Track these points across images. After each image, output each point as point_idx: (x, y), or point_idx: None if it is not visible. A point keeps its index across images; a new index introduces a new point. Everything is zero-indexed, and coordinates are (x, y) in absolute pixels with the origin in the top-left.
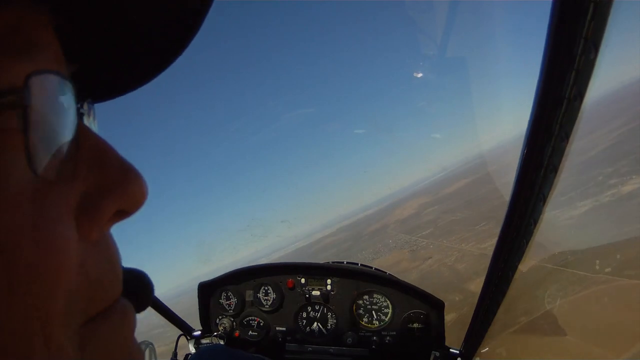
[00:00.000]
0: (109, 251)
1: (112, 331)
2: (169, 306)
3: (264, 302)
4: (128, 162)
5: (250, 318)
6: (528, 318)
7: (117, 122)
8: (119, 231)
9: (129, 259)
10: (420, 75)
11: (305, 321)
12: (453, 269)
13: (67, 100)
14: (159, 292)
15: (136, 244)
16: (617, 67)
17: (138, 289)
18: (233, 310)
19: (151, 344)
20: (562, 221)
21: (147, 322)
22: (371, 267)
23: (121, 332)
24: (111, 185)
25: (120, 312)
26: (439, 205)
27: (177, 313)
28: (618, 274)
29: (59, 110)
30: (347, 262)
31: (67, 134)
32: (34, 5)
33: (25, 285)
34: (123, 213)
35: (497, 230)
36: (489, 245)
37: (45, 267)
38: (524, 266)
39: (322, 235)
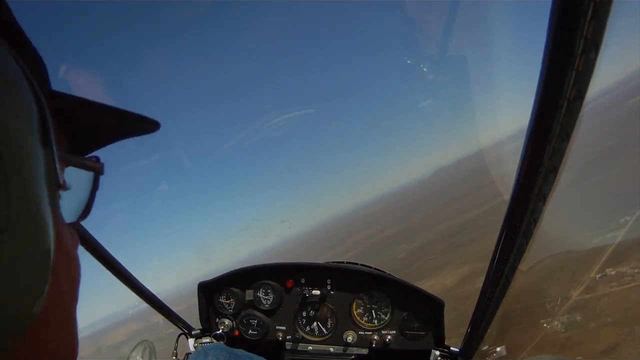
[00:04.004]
0: None
1: None
2: (169, 305)
3: (264, 302)
4: None
5: (250, 317)
6: (528, 317)
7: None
8: (121, 232)
9: (130, 258)
10: (418, 74)
11: (305, 320)
12: None
13: None
14: (160, 292)
15: (137, 243)
16: (618, 66)
17: None
18: (233, 309)
19: (151, 343)
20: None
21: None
22: (371, 267)
23: None
24: None
25: None
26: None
27: (177, 312)
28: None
29: None
30: (347, 262)
31: None
32: None
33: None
34: None
35: None
36: None
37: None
38: (524, 266)
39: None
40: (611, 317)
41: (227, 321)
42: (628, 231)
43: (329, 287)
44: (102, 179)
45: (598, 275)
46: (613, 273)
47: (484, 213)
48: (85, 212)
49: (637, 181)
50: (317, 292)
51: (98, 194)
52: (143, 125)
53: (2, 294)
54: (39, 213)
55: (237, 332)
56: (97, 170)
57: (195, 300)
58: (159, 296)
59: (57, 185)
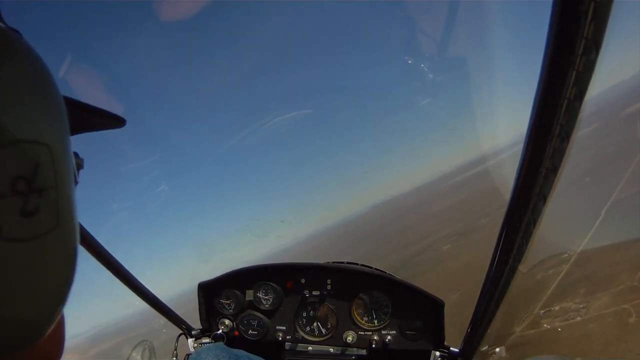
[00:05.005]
0: None
1: None
2: (169, 305)
3: (264, 302)
4: None
5: (250, 318)
6: (527, 318)
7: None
8: (121, 232)
9: (131, 257)
10: (418, 74)
11: (305, 321)
12: None
13: None
14: (160, 291)
15: (136, 243)
16: (617, 67)
17: None
18: (233, 309)
19: (151, 343)
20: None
21: (147, 320)
22: (371, 267)
23: None
24: None
25: None
26: None
27: (177, 312)
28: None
29: None
30: (347, 262)
31: None
32: None
33: None
34: None
35: None
36: None
37: None
38: (524, 267)
39: None
40: (556, 353)
41: (227, 321)
42: (571, 266)
43: (329, 288)
44: (103, 179)
45: (542, 311)
46: (557, 308)
47: (422, 249)
48: None
49: (580, 215)
50: (317, 292)
51: (99, 193)
52: (108, 121)
53: (54, 288)
54: (74, 211)
55: (237, 333)
56: (78, 165)
57: (194, 304)
58: (159, 297)
59: (75, 183)
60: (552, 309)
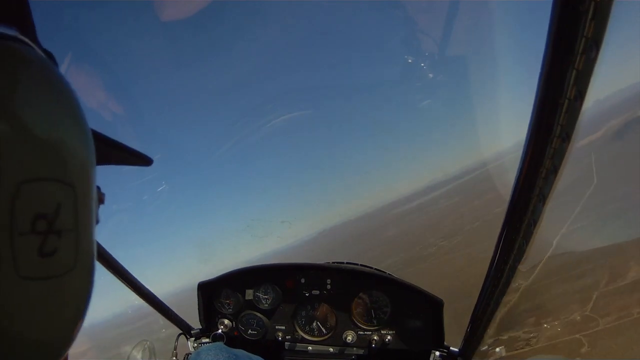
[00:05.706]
0: None
1: None
2: (169, 305)
3: (264, 302)
4: None
5: (249, 317)
6: (528, 317)
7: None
8: (120, 232)
9: (131, 257)
10: (417, 74)
11: (304, 320)
12: None
13: None
14: (160, 291)
15: (136, 242)
16: (617, 67)
17: None
18: (233, 309)
19: (151, 343)
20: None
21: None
22: (371, 267)
23: None
24: None
25: None
26: None
27: (176, 312)
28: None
29: None
30: (347, 262)
31: None
32: None
33: None
34: None
35: None
36: None
37: None
38: (524, 267)
39: None
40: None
41: (226, 321)
42: (521, 296)
43: (328, 287)
44: (102, 178)
45: (489, 340)
46: (505, 338)
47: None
48: None
49: (533, 249)
50: (316, 292)
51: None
52: (135, 159)
53: (65, 326)
54: (93, 250)
55: (236, 332)
56: (100, 200)
57: (192, 302)
58: (159, 296)
59: (96, 222)
60: (500, 338)
